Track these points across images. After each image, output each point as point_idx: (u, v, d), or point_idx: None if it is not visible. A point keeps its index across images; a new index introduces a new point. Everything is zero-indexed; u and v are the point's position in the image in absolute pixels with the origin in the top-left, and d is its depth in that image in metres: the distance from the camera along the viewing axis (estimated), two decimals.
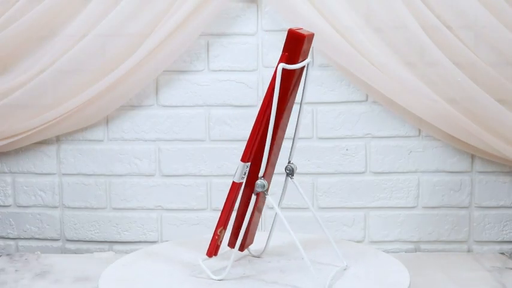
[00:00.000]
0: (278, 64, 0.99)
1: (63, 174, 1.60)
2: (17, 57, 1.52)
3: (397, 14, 1.42)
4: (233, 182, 1.06)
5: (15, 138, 1.52)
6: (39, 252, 1.61)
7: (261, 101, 1.06)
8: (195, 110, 1.57)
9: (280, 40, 1.54)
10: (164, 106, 1.58)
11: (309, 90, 1.55)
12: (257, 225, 1.17)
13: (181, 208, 1.60)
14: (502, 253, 1.58)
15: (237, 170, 1.05)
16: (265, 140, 1.01)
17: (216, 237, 1.08)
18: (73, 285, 1.38)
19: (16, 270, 1.47)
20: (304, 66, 1.05)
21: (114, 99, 1.52)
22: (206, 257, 1.09)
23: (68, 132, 1.58)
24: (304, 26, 1.44)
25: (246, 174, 1.06)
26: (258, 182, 1.04)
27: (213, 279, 1.06)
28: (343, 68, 1.49)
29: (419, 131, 1.56)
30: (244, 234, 1.09)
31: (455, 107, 1.45)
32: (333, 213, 1.59)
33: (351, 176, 1.58)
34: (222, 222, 1.08)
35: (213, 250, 1.09)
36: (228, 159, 1.57)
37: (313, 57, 1.55)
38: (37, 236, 1.62)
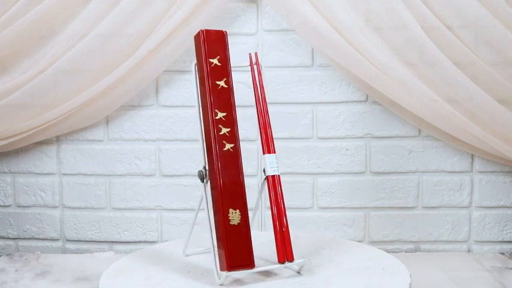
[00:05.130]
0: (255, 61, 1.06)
1: (63, 174, 1.60)
2: (17, 57, 1.52)
3: (397, 14, 1.42)
4: (278, 176, 1.06)
5: (15, 138, 1.52)
6: (39, 252, 1.61)
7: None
8: (195, 110, 1.57)
9: (280, 40, 1.55)
10: (164, 106, 1.58)
11: (308, 90, 1.57)
12: None
13: (181, 208, 1.60)
14: (502, 253, 1.58)
15: (276, 163, 1.06)
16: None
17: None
18: (73, 285, 1.38)
19: (16, 270, 1.47)
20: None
21: (114, 99, 1.52)
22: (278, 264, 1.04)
23: (68, 132, 1.58)
24: (304, 26, 1.45)
25: None
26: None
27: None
28: (343, 68, 1.49)
29: (419, 131, 1.56)
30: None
31: (455, 107, 1.44)
32: (333, 213, 1.59)
33: (351, 176, 1.58)
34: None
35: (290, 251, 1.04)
36: None
37: (313, 57, 1.55)
38: (37, 236, 1.62)
